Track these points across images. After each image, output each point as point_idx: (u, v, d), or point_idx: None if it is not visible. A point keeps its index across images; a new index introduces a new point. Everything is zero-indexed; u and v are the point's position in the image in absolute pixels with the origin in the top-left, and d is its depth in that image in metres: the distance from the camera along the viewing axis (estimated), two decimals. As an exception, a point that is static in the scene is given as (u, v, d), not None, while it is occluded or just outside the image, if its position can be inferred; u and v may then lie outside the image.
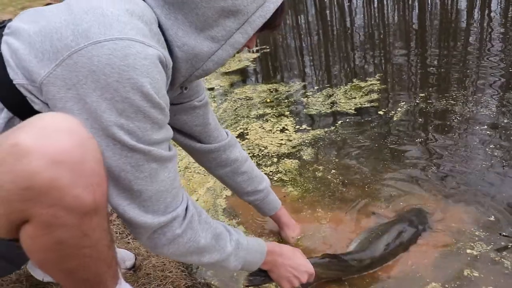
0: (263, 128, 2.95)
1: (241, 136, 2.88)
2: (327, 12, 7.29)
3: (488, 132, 2.41)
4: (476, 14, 5.33)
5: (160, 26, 1.01)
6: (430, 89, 3.17)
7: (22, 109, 0.94)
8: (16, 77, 0.91)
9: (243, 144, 2.74)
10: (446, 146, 2.37)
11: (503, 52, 3.67)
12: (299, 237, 1.83)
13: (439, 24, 5.09)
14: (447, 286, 1.47)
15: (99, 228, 0.91)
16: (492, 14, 5.13)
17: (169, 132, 1.05)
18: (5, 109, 0.94)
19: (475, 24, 4.80)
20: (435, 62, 3.76)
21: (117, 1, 0.95)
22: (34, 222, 0.82)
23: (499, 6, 5.48)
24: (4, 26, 0.99)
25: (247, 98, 3.57)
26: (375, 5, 6.91)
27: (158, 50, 0.93)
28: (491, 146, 2.26)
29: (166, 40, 1.03)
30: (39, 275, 1.47)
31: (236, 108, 3.37)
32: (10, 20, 1.03)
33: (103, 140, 0.91)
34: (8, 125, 0.95)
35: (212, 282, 1.69)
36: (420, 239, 1.73)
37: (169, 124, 1.05)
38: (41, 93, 0.91)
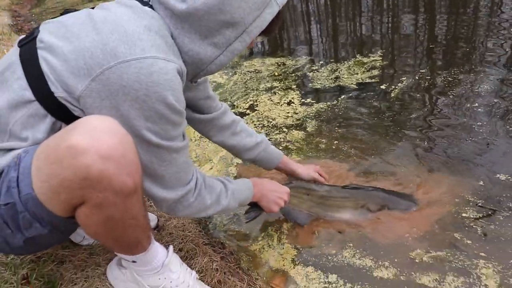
0: (272, 100, 3.16)
1: (251, 107, 3.09)
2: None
3: (480, 109, 2.61)
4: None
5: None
6: (431, 66, 3.35)
7: (63, 114, 1.16)
8: (57, 90, 1.12)
9: (253, 116, 2.96)
10: (442, 121, 2.57)
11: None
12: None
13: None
14: (431, 252, 1.71)
15: (137, 203, 1.16)
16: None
17: (184, 124, 1.28)
18: (49, 115, 1.16)
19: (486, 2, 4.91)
20: (440, 39, 3.92)
21: (136, 17, 1.16)
22: (89, 204, 1.06)
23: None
24: (34, 38, 1.18)
25: (256, 71, 3.77)
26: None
27: (176, 63, 1.14)
28: (480, 123, 2.47)
29: None
30: (77, 239, 1.72)
31: (246, 81, 3.58)
32: (37, 29, 1.21)
33: (134, 139, 1.13)
34: (52, 127, 1.17)
35: (224, 241, 1.94)
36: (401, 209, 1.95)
37: None
38: (79, 103, 1.13)
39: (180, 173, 1.31)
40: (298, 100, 3.11)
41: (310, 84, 3.34)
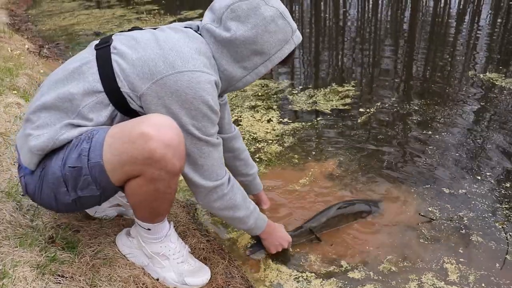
0: (254, 117, 3.57)
1: (235, 122, 3.48)
2: (321, 14, 7.88)
3: (437, 136, 3.07)
4: (465, 27, 6.00)
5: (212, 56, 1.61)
6: (398, 98, 3.83)
7: (122, 105, 1.52)
8: (123, 86, 1.49)
9: (237, 129, 3.35)
10: (401, 145, 3.03)
11: (482, 75, 4.32)
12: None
13: (428, 36, 5.76)
14: (391, 256, 2.12)
15: (176, 182, 1.54)
16: (481, 27, 5.81)
17: (217, 127, 1.65)
18: (111, 104, 1.52)
19: (462, 41, 5.49)
20: (409, 75, 4.48)
21: (189, 40, 1.56)
22: (144, 177, 1.43)
23: (488, 17, 6.32)
24: (109, 45, 1.55)
25: (242, 90, 4.16)
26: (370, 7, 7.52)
27: (215, 77, 1.54)
28: (434, 148, 2.92)
29: None
30: (91, 211, 2.05)
31: (232, 98, 3.98)
32: (110, 37, 1.59)
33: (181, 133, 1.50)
34: (111, 114, 1.52)
35: (208, 227, 2.30)
36: (370, 217, 2.33)
37: None
38: (139, 99, 1.49)
39: (215, 166, 1.66)
40: (276, 119, 3.52)
41: (289, 106, 3.76)
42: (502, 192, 2.46)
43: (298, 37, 1.70)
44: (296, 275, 1.98)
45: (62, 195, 1.51)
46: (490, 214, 2.28)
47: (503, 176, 2.61)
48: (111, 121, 1.53)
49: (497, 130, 3.14)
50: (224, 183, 1.71)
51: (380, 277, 1.93)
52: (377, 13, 7.74)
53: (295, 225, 2.26)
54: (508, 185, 2.51)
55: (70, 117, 1.50)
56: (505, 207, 2.33)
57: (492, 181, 2.56)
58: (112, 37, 1.59)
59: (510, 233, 2.13)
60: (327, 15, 7.90)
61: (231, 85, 1.70)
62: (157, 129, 1.38)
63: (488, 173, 2.64)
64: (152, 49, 1.50)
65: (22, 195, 1.88)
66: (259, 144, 3.12)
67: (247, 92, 4.09)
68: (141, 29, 1.67)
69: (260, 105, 3.78)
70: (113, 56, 1.51)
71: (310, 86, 4.23)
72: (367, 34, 6.37)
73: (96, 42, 1.61)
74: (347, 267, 2.01)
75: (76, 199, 1.52)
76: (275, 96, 4.00)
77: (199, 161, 1.61)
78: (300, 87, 4.21)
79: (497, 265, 1.96)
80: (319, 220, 2.26)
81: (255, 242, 2.12)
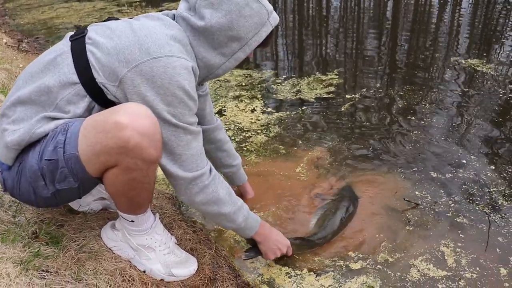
0: (238, 107, 3.55)
1: (220, 112, 3.47)
2: (304, 8, 7.86)
3: (422, 121, 3.10)
4: (447, 14, 6.03)
5: (189, 44, 1.59)
6: (379, 85, 3.85)
7: (98, 96, 1.49)
8: (99, 77, 1.46)
9: (221, 120, 3.31)
10: (386, 130, 3.05)
11: (464, 65, 4.35)
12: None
13: (411, 23, 5.77)
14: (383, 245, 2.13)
15: (154, 171, 1.51)
16: (462, 14, 5.84)
17: (196, 117, 1.61)
18: (88, 96, 1.49)
19: (444, 28, 5.52)
20: (393, 63, 4.48)
21: (164, 27, 1.53)
22: (120, 166, 1.41)
23: (469, 5, 6.43)
24: (84, 35, 1.52)
25: (226, 80, 4.15)
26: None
27: (192, 63, 1.52)
28: (418, 132, 2.95)
29: None
30: (75, 205, 2.03)
31: (216, 89, 3.95)
32: (85, 28, 1.56)
33: (157, 120, 1.47)
34: (89, 106, 1.50)
35: (195, 218, 2.29)
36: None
37: None
38: (115, 89, 1.46)
39: (195, 156, 1.60)
40: (260, 108, 3.51)
41: (274, 95, 3.76)
42: (489, 174, 2.49)
43: (275, 18, 1.66)
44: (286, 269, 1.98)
45: (41, 189, 1.49)
46: (477, 198, 2.31)
47: (487, 159, 2.64)
48: (88, 113, 1.50)
49: (480, 115, 3.18)
50: (205, 174, 1.63)
51: (375, 265, 1.95)
52: (360, 1, 7.74)
53: (278, 215, 2.27)
54: (492, 167, 2.55)
55: (47, 110, 1.48)
56: (493, 190, 2.35)
57: (477, 165, 2.58)
58: (88, 28, 1.56)
59: (492, 215, 2.16)
60: (311, 5, 7.87)
61: (211, 73, 1.68)
62: (131, 118, 1.36)
63: (472, 157, 2.67)
64: (127, 36, 1.47)
65: (3, 191, 1.85)
66: (245, 133, 3.11)
67: (230, 83, 4.07)
68: (117, 19, 1.64)
69: (244, 95, 3.77)
70: (88, 47, 1.48)
71: (294, 75, 4.22)
72: (350, 23, 6.37)
73: (72, 33, 1.58)
74: (339, 256, 2.02)
75: (55, 193, 1.49)
76: (259, 85, 3.99)
77: (177, 150, 1.55)
78: (284, 76, 4.20)
79: (484, 246, 1.99)
80: (331, 229, 2.15)
81: (251, 246, 1.94)
